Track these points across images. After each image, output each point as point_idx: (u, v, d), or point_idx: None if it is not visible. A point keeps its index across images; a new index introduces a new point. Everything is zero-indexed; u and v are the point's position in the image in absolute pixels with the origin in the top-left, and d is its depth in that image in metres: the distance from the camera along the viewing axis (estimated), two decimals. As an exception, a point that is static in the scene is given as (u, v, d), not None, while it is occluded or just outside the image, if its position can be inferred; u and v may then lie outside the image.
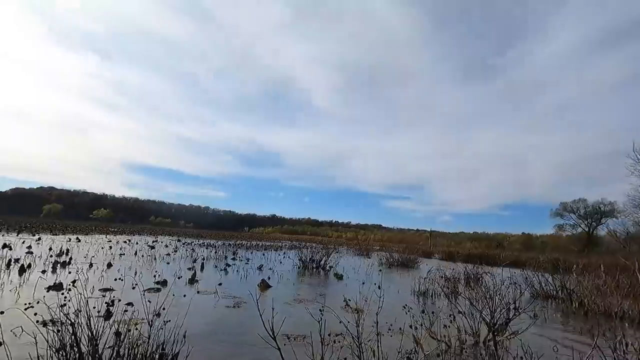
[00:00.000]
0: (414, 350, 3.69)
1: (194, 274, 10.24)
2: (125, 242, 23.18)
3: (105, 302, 5.83)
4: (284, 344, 3.93)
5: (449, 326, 5.41)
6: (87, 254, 13.73)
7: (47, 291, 6.67)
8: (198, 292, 8.01)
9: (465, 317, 5.62)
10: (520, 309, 5.80)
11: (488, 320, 5.38)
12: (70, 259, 11.57)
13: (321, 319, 2.91)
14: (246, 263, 15.07)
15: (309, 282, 11.34)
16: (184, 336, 3.41)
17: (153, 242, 25.39)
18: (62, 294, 6.47)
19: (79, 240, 21.17)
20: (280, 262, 16.99)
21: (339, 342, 4.42)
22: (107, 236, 28.86)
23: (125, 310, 5.31)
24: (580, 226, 52.41)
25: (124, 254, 14.89)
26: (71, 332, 2.97)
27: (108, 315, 5.24)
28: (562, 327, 7.30)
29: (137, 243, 22.70)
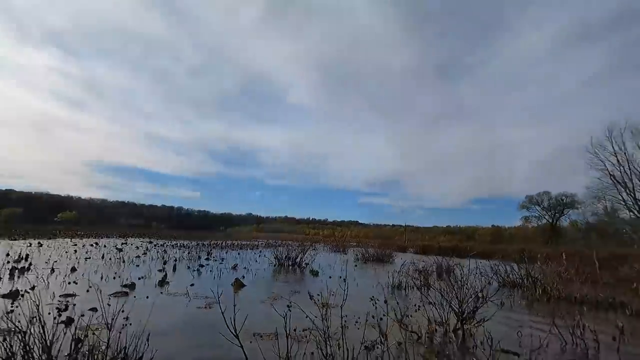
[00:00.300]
0: (379, 340, 3.74)
1: (165, 276, 9.93)
2: (92, 245, 22.17)
3: (57, 308, 5.53)
4: (250, 342, 3.86)
5: (411, 316, 5.53)
6: (49, 259, 13.01)
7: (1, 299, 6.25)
8: (168, 294, 7.76)
9: (435, 308, 5.76)
10: (487, 298, 6.01)
11: (457, 310, 5.55)
12: (30, 264, 10.91)
13: (286, 314, 2.87)
14: (220, 263, 14.78)
15: (284, 279, 11.27)
16: (147, 339, 3.28)
17: (122, 244, 24.43)
18: (14, 302, 6.07)
19: (41, 245, 20.03)
20: (256, 261, 16.79)
21: (306, 337, 4.41)
22: (73, 240, 27.48)
23: (82, 315, 5.04)
24: (544, 218, 55.10)
25: (89, 258, 14.23)
26: (21, 340, 2.78)
27: (69, 321, 4.98)
28: (527, 313, 7.64)
29: (105, 246, 21.76)
